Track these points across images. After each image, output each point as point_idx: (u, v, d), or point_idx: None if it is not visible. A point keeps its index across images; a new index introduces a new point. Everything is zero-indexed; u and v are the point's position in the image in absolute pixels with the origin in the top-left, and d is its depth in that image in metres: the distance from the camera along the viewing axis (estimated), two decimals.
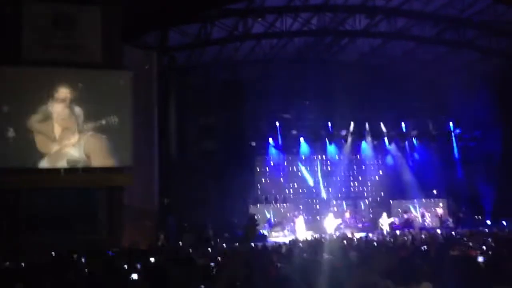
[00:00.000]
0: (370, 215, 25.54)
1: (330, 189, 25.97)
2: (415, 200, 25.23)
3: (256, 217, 21.48)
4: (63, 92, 17.14)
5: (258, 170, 25.40)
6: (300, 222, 21.94)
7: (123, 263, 9.12)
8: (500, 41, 21.92)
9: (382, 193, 26.64)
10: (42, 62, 16.91)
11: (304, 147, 25.81)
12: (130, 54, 18.50)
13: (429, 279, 5.48)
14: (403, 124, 26.70)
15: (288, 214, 23.69)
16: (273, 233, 22.01)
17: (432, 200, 25.37)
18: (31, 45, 16.86)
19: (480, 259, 7.97)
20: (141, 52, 19.40)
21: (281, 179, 25.55)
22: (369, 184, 27.06)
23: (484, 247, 9.71)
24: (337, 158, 26.41)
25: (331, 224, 21.84)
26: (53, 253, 12.24)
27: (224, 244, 17.46)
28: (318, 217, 24.22)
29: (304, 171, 26.02)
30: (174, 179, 20.90)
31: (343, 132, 25.86)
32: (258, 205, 23.81)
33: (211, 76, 24.09)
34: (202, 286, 5.59)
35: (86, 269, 8.47)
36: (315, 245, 11.99)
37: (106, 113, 17.42)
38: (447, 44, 22.43)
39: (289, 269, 7.35)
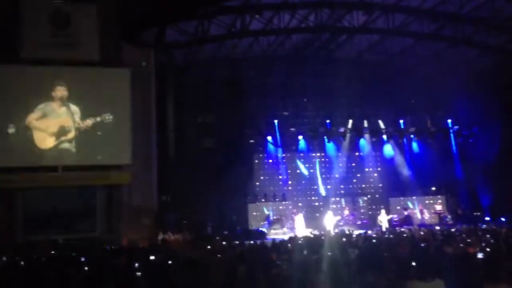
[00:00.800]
0: (369, 212, 25.56)
1: (329, 186, 26.00)
2: (414, 197, 25.28)
3: None
4: (60, 90, 17.24)
5: (256, 167, 25.41)
6: (299, 219, 21.94)
7: (122, 260, 9.12)
8: (498, 38, 21.91)
9: (381, 190, 26.69)
10: (40, 60, 16.97)
11: (302, 144, 25.81)
12: (128, 52, 18.51)
13: (425, 276, 5.49)
14: (401, 121, 26.71)
15: (287, 211, 23.70)
16: (272, 231, 22.00)
17: (431, 197, 25.40)
18: (28, 44, 16.89)
19: (479, 255, 7.98)
20: (139, 50, 19.37)
21: (280, 176, 25.57)
22: (367, 181, 27.09)
23: (483, 244, 9.70)
24: (335, 155, 26.42)
25: (330, 221, 21.83)
26: (52, 251, 12.23)
27: (224, 242, 17.44)
28: (317, 214, 24.23)
29: (302, 168, 26.03)
30: (173, 177, 20.89)
31: (342, 129, 25.85)
32: (257, 202, 23.82)
33: (209, 73, 24.04)
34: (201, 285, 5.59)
35: (85, 267, 8.45)
36: (314, 242, 11.98)
37: (103, 111, 17.47)
38: (445, 40, 22.39)
39: (289, 266, 7.34)
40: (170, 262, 8.24)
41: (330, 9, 20.17)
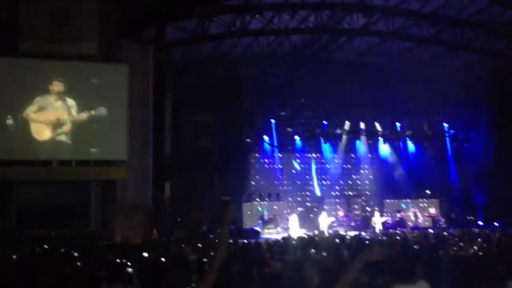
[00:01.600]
0: (364, 213, 25.62)
1: (324, 187, 26.07)
2: (408, 199, 25.35)
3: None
4: (57, 84, 17.26)
5: (252, 167, 25.45)
6: (293, 219, 21.97)
7: (115, 257, 9.12)
8: (497, 43, 21.98)
9: (376, 192, 26.74)
10: (38, 54, 16.96)
11: (299, 144, 25.85)
12: (127, 49, 18.52)
13: (418, 279, 5.52)
14: (398, 124, 26.79)
15: (282, 211, 23.73)
16: (266, 230, 22.04)
17: (425, 200, 25.48)
18: (27, 38, 16.89)
19: (471, 259, 8.02)
20: (138, 47, 19.37)
21: (276, 176, 25.60)
22: (363, 183, 27.16)
23: (475, 248, 9.76)
24: (331, 156, 26.48)
25: (324, 222, 21.87)
26: (45, 246, 12.21)
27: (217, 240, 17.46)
28: (311, 215, 24.25)
29: (298, 169, 26.07)
30: (169, 175, 20.89)
31: (338, 131, 25.90)
32: (252, 201, 23.85)
33: (208, 72, 24.03)
34: (194, 284, 5.59)
35: (78, 262, 8.45)
36: (308, 243, 12.01)
37: (100, 106, 17.49)
38: (444, 44, 22.46)
39: (282, 266, 7.37)
40: (163, 259, 8.25)
41: (330, 10, 20.22)
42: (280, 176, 25.69)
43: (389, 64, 24.81)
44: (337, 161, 26.60)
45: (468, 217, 23.72)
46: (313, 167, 26.31)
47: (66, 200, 17.19)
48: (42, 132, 17.05)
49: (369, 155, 27.22)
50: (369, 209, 25.37)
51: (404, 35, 21.95)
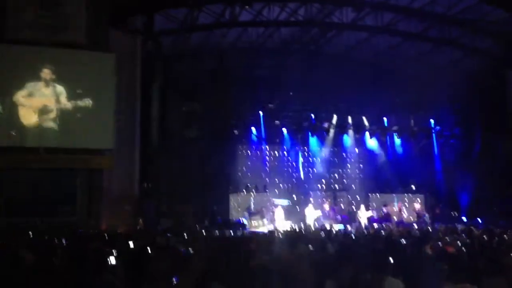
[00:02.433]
0: (349, 207, 25.77)
1: (310, 180, 26.18)
2: (394, 194, 25.56)
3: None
4: (46, 72, 17.13)
5: (240, 158, 25.46)
6: (279, 212, 22.06)
7: (101, 245, 9.09)
8: (484, 41, 22.15)
9: (362, 186, 26.92)
10: (27, 41, 16.79)
11: (286, 137, 25.90)
12: (115, 37, 18.35)
13: (402, 273, 5.58)
14: (385, 119, 26.94)
15: (268, 203, 23.79)
16: (252, 222, 22.09)
17: (410, 195, 25.69)
18: (15, 24, 16.69)
19: (455, 255, 8.12)
20: (126, 35, 19.22)
21: (262, 168, 25.66)
22: (349, 177, 27.33)
23: (459, 243, 9.87)
24: (318, 150, 26.59)
25: (310, 215, 21.99)
26: (30, 233, 12.14)
27: (203, 231, 17.48)
28: (297, 207, 24.33)
29: (285, 161, 26.15)
30: (155, 165, 20.81)
31: (326, 124, 26.00)
32: (238, 193, 23.88)
33: (196, 63, 23.91)
34: (177, 276, 5.60)
35: (62, 251, 8.41)
36: (293, 236, 12.08)
37: (87, 94, 17.39)
38: (431, 41, 22.58)
39: (268, 259, 7.40)
40: (148, 249, 8.24)
41: (320, 3, 20.21)
42: (267, 168, 25.74)
43: (377, 60, 24.88)
44: (324, 154, 26.70)
45: (452, 213, 23.98)
46: (300, 160, 26.40)
47: (52, 189, 17.06)
48: (29, 118, 16.94)
49: (355, 149, 27.39)
50: (355, 203, 25.51)
51: (392, 31, 22.01)
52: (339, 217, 24.09)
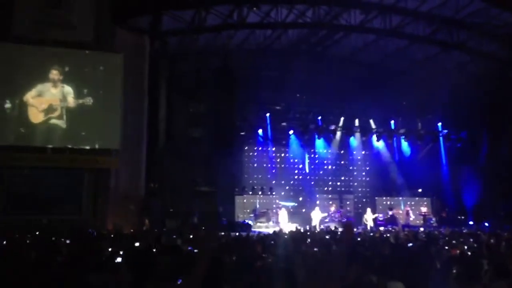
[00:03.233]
0: (355, 210, 25.70)
1: (317, 182, 26.12)
2: (400, 197, 25.46)
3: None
4: (55, 73, 17.26)
5: (246, 160, 25.44)
6: (283, 213, 22.02)
7: (105, 245, 9.10)
8: (491, 44, 22.05)
9: (368, 189, 26.86)
10: (34, 40, 16.85)
11: (292, 139, 25.86)
12: (122, 37, 18.41)
13: (408, 277, 5.53)
14: (392, 122, 26.85)
15: (273, 205, 23.76)
16: (258, 224, 22.08)
17: (417, 198, 25.59)
18: (22, 23, 16.78)
19: (462, 258, 8.05)
20: (133, 35, 19.26)
21: (268, 170, 25.62)
22: (355, 179, 27.25)
23: (466, 247, 9.81)
24: (325, 152, 26.53)
25: (316, 217, 21.95)
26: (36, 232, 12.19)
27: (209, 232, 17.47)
28: (303, 209, 24.30)
29: (291, 163, 26.11)
30: (161, 165, 20.82)
31: (332, 127, 25.95)
32: (244, 194, 23.85)
33: (203, 63, 23.91)
34: (182, 276, 5.58)
35: (67, 250, 8.43)
36: (299, 237, 12.04)
37: (94, 94, 17.47)
38: (439, 44, 22.49)
39: (274, 260, 7.38)
40: (154, 249, 8.24)
41: (328, 6, 20.16)
42: (273, 170, 25.71)
43: (384, 62, 24.80)
44: (330, 156, 26.65)
45: (459, 217, 23.87)
46: (307, 162, 26.35)
47: (58, 187, 17.13)
48: (37, 117, 17.07)
49: (362, 152, 27.30)
50: (361, 206, 25.43)
51: (400, 34, 21.92)
52: (345, 219, 24.02)
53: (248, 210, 23.29)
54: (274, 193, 24.53)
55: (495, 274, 5.78)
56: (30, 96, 17.01)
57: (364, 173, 27.33)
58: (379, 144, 26.98)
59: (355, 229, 18.46)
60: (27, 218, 15.60)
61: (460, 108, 24.55)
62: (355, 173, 27.35)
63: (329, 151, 26.56)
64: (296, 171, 26.33)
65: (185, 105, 23.63)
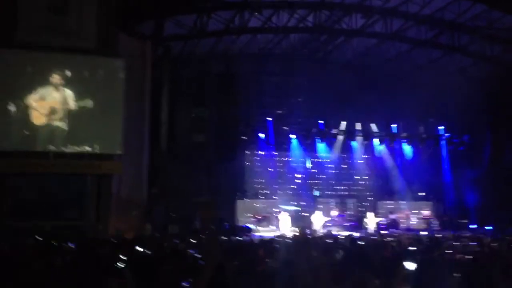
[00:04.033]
0: (357, 214, 25.68)
1: (318, 186, 26.11)
2: (402, 201, 25.42)
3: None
4: (56, 77, 17.27)
5: (247, 164, 25.44)
6: (284, 218, 21.98)
7: (107, 250, 9.10)
8: (493, 48, 22.07)
9: (370, 193, 26.82)
10: (37, 46, 16.90)
11: (294, 144, 25.87)
12: (125, 43, 18.46)
13: (411, 281, 5.54)
14: (393, 126, 26.84)
15: (275, 209, 23.74)
16: (260, 228, 22.07)
17: (419, 202, 25.55)
18: (26, 30, 16.84)
19: (465, 262, 8.05)
20: (136, 41, 19.32)
21: (270, 174, 25.61)
22: (357, 183, 27.22)
23: (469, 251, 9.80)
24: (327, 156, 26.53)
25: (318, 221, 21.92)
26: (38, 237, 12.18)
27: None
28: (305, 214, 24.27)
29: (293, 167, 26.11)
30: (164, 170, 20.86)
31: (334, 131, 25.95)
32: (245, 199, 23.85)
33: (205, 68, 23.99)
34: (191, 279, 5.59)
35: (70, 256, 8.43)
36: (301, 242, 12.02)
37: (96, 99, 17.49)
38: (441, 48, 22.54)
39: (276, 264, 7.37)
40: (157, 254, 8.24)
41: (329, 10, 20.22)
42: (275, 175, 25.70)
43: (386, 66, 24.84)
44: (332, 161, 26.65)
45: (461, 220, 23.83)
46: (308, 166, 26.35)
47: (61, 193, 17.16)
48: (40, 120, 17.14)
49: (364, 156, 27.29)
50: (363, 210, 25.41)
51: (402, 37, 21.98)
52: (347, 223, 24.00)
53: (247, 215, 23.26)
54: (275, 197, 24.51)
55: (501, 277, 5.78)
56: (33, 100, 17.08)
57: (366, 177, 27.31)
58: (381, 148, 26.97)
59: (356, 234, 18.44)
60: (31, 224, 15.61)
61: (462, 111, 24.55)
62: (357, 177, 27.32)
63: (331, 155, 26.54)
64: (297, 176, 26.30)
65: (188, 110, 23.69)
